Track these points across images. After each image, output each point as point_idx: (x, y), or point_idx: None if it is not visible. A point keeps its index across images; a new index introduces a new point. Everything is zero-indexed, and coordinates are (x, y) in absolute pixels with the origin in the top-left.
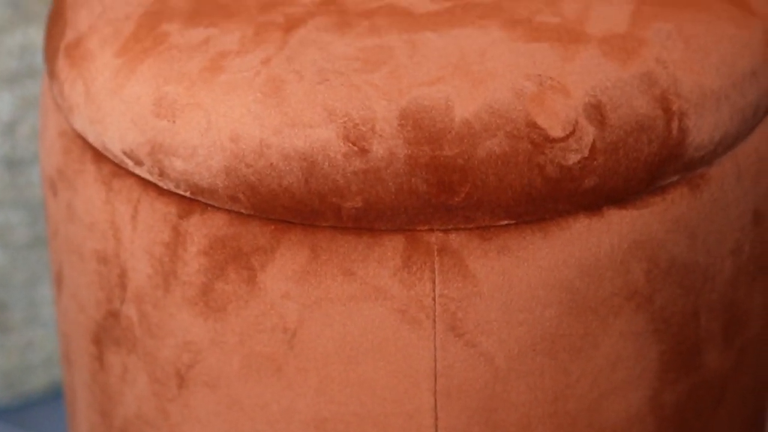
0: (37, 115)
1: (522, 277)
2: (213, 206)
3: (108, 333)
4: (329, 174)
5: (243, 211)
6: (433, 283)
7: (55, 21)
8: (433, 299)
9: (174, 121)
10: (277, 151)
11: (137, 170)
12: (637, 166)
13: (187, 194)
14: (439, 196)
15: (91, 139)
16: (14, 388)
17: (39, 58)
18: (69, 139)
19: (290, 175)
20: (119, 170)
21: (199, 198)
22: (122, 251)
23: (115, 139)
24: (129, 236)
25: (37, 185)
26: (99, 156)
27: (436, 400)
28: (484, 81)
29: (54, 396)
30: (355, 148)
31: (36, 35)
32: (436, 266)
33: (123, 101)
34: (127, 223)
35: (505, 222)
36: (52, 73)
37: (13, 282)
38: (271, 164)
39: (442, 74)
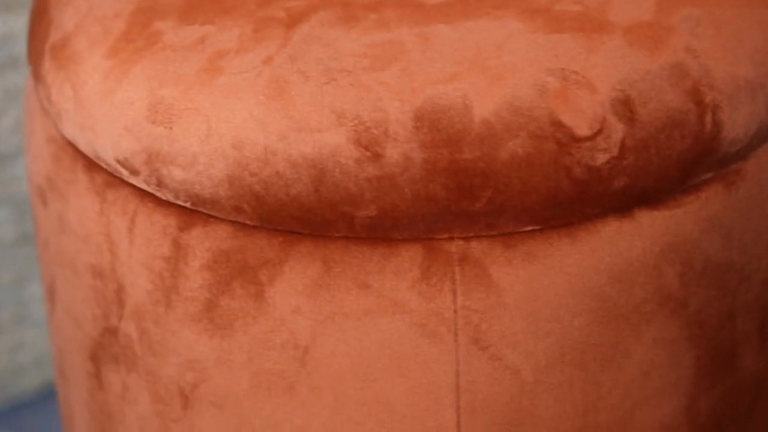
0: (20, 107)
1: (549, 286)
2: (216, 217)
3: (106, 350)
4: (340, 181)
5: (248, 222)
6: (454, 294)
7: (39, 19)
8: (455, 311)
9: (171, 128)
10: (284, 158)
11: (133, 180)
12: (669, 164)
13: (188, 205)
14: (459, 202)
15: (82, 146)
16: (4, 390)
17: (20, 48)
18: (58, 147)
19: (298, 183)
20: (113, 180)
21: (201, 209)
22: (119, 266)
23: (107, 147)
24: (126, 250)
25: (22, 180)
26: (91, 165)
27: (459, 417)
28: (503, 77)
29: (45, 397)
30: (368, 153)
31: (16, 23)
32: (457, 276)
33: (115, 107)
34: (123, 236)
35: (530, 228)
36: (37, 76)
37: (1, 281)
38: (278, 172)
39: (458, 70)
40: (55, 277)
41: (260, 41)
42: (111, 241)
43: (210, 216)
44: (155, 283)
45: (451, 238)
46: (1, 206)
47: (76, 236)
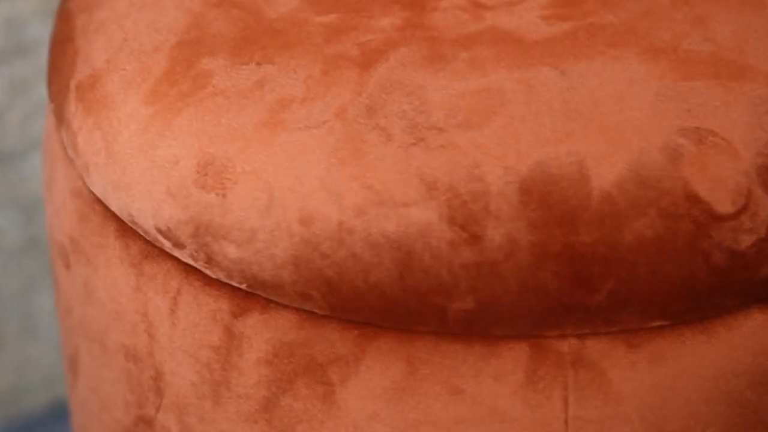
0: (29, 100)
1: (679, 392)
2: (277, 303)
3: None
4: (431, 267)
5: (317, 311)
6: (566, 402)
7: (62, 47)
8: (566, 422)
9: (224, 195)
10: (362, 237)
11: (177, 253)
12: None
13: (243, 287)
14: (574, 294)
15: (114, 207)
16: (10, 408)
17: (29, 33)
18: (85, 203)
19: (379, 268)
20: (153, 250)
21: (259, 293)
22: (158, 350)
23: (146, 212)
24: (167, 334)
25: (30, 181)
26: (126, 230)
27: None
28: (626, 138)
29: (55, 417)
30: (464, 234)
31: (24, 6)
32: (570, 381)
33: (156, 165)
34: (164, 317)
35: (658, 323)
36: (60, 117)
37: (6, 291)
38: (354, 254)
39: (571, 128)
40: (78, 348)
41: (330, 86)
42: (149, 321)
43: (270, 301)
44: (202, 374)
45: (563, 336)
46: (6, 210)
47: (106, 310)
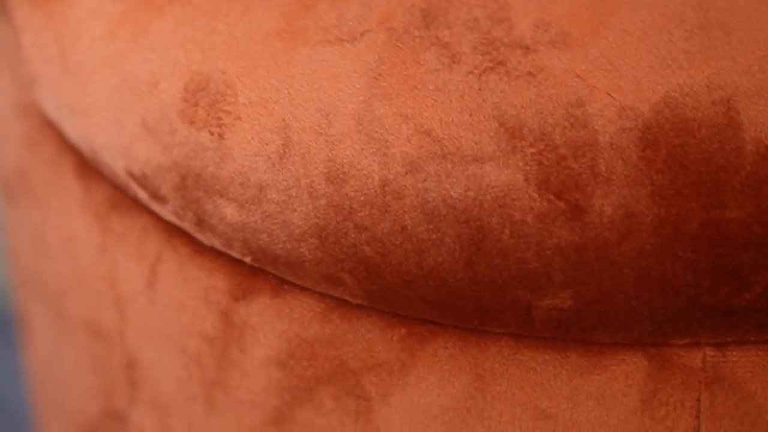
0: None
1: None
2: (294, 285)
3: None
4: (512, 249)
5: (349, 299)
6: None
7: None
8: None
9: (222, 135)
10: (415, 203)
11: (156, 207)
12: None
13: (247, 260)
14: (717, 291)
15: (72, 137)
16: None
17: None
18: (33, 125)
19: (439, 248)
20: (124, 199)
21: (269, 270)
22: (131, 332)
23: (114, 150)
24: (142, 312)
25: None
26: (86, 168)
27: None
28: None
29: None
30: (561, 204)
31: None
32: (703, 405)
33: (127, 85)
34: (139, 290)
35: None
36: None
37: None
38: (404, 228)
39: (714, 49)
40: (28, 310)
41: None
42: (118, 293)
43: (284, 282)
44: (190, 370)
45: (696, 345)
46: None
47: (62, 271)
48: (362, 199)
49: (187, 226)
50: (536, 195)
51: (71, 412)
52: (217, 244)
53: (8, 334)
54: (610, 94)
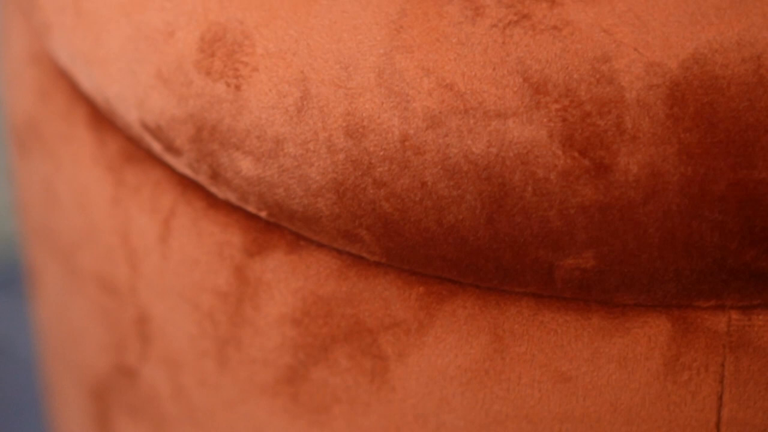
0: None
1: None
2: (310, 242)
3: (117, 395)
4: (534, 207)
5: (367, 256)
6: (719, 400)
7: None
8: (717, 426)
9: (239, 86)
10: (436, 159)
11: (170, 160)
12: None
13: (263, 215)
14: (744, 252)
15: (86, 87)
16: None
17: None
18: (46, 75)
19: (459, 205)
20: (137, 152)
21: (285, 225)
22: (143, 286)
23: (128, 100)
24: (155, 267)
25: None
26: (100, 119)
27: None
28: None
29: None
30: (585, 162)
31: None
32: (727, 371)
33: (142, 35)
34: (151, 245)
35: None
36: None
37: None
38: (424, 184)
39: (746, 4)
40: (38, 263)
41: None
42: (131, 248)
43: (300, 238)
44: (203, 326)
45: (721, 308)
46: None
47: (73, 223)
48: (381, 154)
49: (202, 179)
50: (560, 152)
51: (81, 367)
52: (232, 198)
53: (18, 286)
54: (637, 50)
